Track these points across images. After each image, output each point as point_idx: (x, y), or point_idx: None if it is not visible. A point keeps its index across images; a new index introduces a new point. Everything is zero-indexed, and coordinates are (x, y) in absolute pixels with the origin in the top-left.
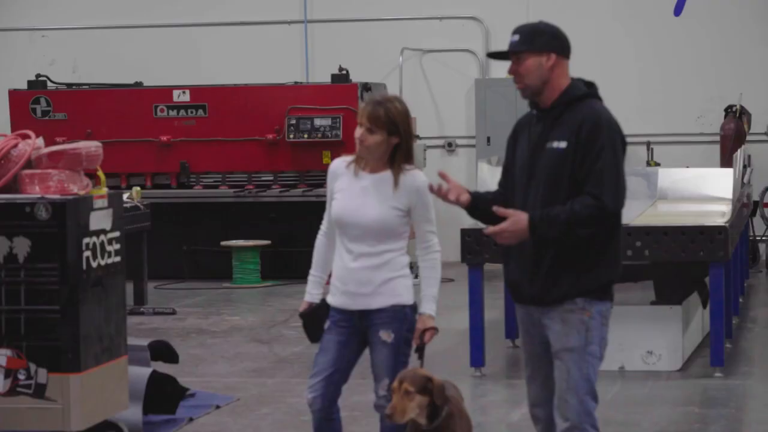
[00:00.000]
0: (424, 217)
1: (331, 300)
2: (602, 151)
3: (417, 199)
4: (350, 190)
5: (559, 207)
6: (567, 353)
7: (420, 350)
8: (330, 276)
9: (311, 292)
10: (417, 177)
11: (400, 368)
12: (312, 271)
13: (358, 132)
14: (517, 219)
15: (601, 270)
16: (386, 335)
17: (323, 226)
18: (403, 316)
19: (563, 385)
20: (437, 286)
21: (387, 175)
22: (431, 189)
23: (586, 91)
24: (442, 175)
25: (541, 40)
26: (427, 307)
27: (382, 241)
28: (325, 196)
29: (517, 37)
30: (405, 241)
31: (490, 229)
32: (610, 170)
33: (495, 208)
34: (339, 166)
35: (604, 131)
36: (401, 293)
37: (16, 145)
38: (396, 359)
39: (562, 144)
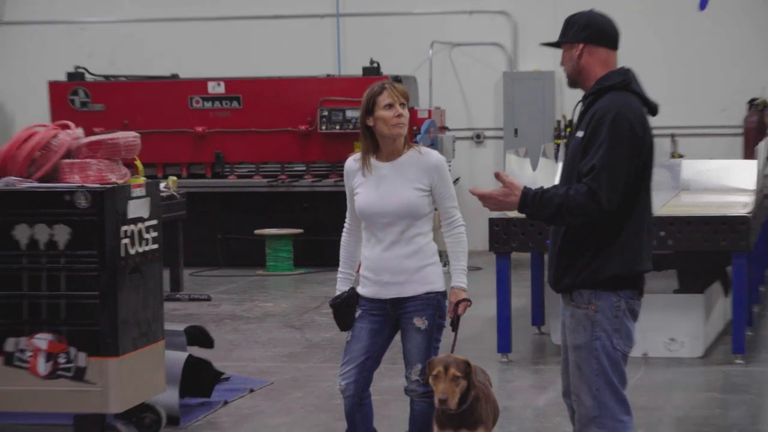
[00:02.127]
0: (446, 194)
1: (362, 291)
2: (601, 146)
3: (437, 176)
4: (370, 181)
5: (555, 190)
6: (575, 351)
7: (455, 323)
8: (359, 267)
9: (341, 289)
10: (433, 155)
11: (431, 354)
12: (341, 269)
13: (397, 111)
14: (510, 191)
15: (602, 262)
16: (420, 322)
17: (346, 224)
18: (436, 303)
19: (575, 381)
20: (465, 259)
21: (404, 158)
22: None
23: (613, 82)
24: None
25: (571, 31)
26: (459, 280)
27: (410, 225)
28: None
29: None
30: (431, 224)
31: (478, 190)
32: (607, 167)
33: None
34: (352, 165)
35: (607, 125)
36: (434, 280)
37: (56, 136)
38: (429, 345)
39: (580, 134)
